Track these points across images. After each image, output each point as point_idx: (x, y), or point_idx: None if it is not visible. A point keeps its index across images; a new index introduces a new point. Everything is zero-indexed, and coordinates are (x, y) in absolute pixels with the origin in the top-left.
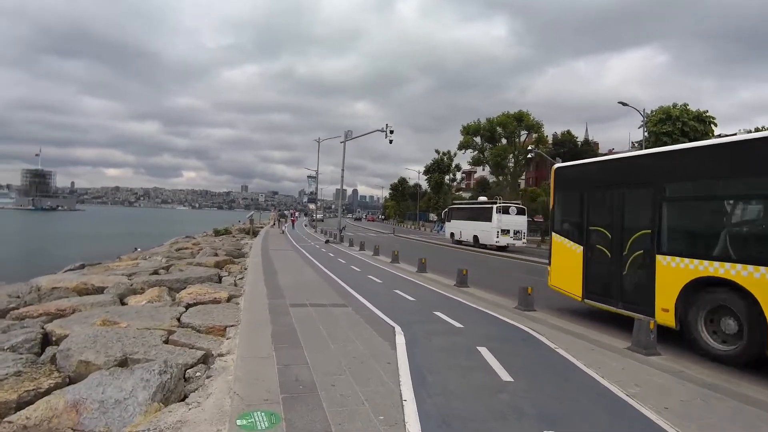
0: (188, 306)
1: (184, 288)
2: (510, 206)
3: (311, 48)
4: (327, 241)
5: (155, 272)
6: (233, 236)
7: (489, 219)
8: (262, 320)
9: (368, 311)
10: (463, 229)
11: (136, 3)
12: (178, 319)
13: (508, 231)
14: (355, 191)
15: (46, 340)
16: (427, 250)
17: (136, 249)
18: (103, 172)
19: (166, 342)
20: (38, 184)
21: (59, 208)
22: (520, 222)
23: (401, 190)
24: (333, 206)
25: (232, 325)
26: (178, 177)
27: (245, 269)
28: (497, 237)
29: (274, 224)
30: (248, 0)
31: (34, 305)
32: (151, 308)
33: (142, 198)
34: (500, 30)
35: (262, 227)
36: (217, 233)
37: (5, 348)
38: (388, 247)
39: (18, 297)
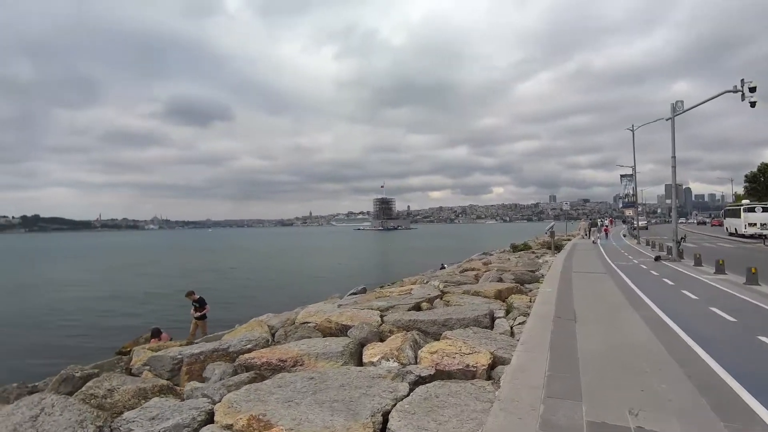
0: (418, 381)
1: (440, 335)
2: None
3: (606, 38)
4: (657, 258)
5: (416, 306)
6: (533, 252)
7: None
8: None
9: None
10: None
11: (438, 48)
12: (384, 421)
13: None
14: (687, 190)
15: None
16: None
17: (443, 266)
18: (429, 195)
19: None
20: (384, 209)
21: (399, 227)
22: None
23: (763, 181)
24: (659, 210)
25: None
26: (489, 193)
27: (531, 305)
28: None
29: (585, 235)
30: (532, 12)
31: (268, 348)
32: (372, 375)
33: (460, 215)
34: None
35: (569, 239)
36: (514, 249)
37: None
38: None
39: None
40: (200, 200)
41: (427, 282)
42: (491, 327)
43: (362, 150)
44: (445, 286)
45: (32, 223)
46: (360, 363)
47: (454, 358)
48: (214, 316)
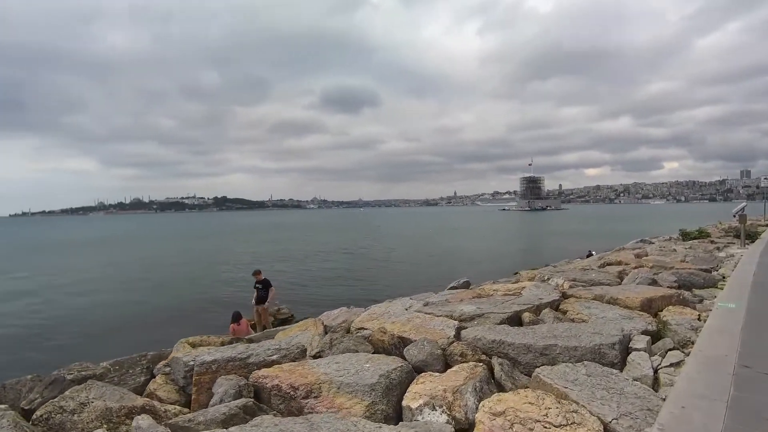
0: None
1: (532, 369)
2: None
3: None
4: None
5: (514, 317)
6: (711, 242)
7: None
8: None
9: None
10: None
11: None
12: None
13: None
14: None
15: None
16: None
17: (590, 253)
18: (584, 172)
19: None
20: (531, 188)
21: (548, 208)
22: None
23: None
24: None
25: None
26: (658, 169)
27: (697, 328)
28: None
29: None
30: None
31: (289, 366)
32: None
33: (621, 194)
34: None
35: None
36: (684, 236)
37: None
38: None
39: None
40: (352, 182)
41: (547, 279)
42: (621, 365)
43: (507, 128)
44: (570, 286)
45: (221, 204)
46: (398, 406)
47: (531, 430)
48: (307, 297)
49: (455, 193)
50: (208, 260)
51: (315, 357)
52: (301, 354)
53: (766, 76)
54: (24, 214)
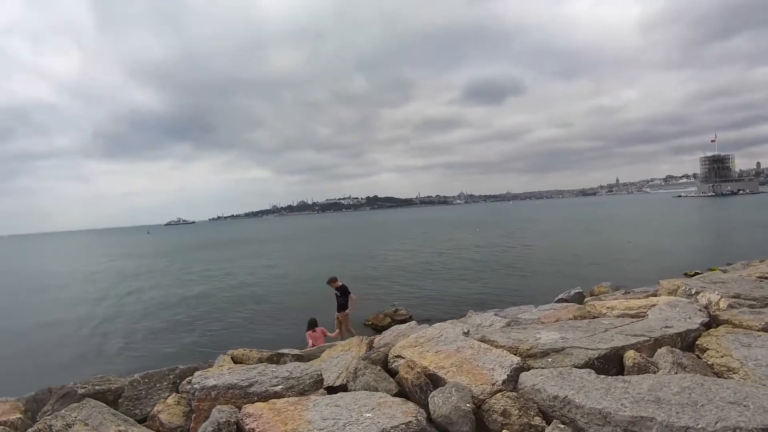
0: None
1: None
2: None
3: None
4: None
5: (600, 358)
6: None
7: None
8: None
9: None
10: None
11: None
12: None
13: None
14: None
15: None
16: None
17: None
18: None
19: None
20: (717, 169)
21: (740, 191)
22: None
23: None
24: None
25: None
26: None
27: None
28: None
29: None
30: None
31: (280, 402)
32: None
33: None
34: None
35: None
36: None
37: None
38: None
39: None
40: (498, 174)
41: (696, 293)
42: None
43: (682, 100)
44: (729, 305)
45: (373, 203)
46: None
47: None
48: (430, 298)
49: (617, 180)
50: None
51: (335, 390)
52: (314, 385)
53: None
54: (219, 218)
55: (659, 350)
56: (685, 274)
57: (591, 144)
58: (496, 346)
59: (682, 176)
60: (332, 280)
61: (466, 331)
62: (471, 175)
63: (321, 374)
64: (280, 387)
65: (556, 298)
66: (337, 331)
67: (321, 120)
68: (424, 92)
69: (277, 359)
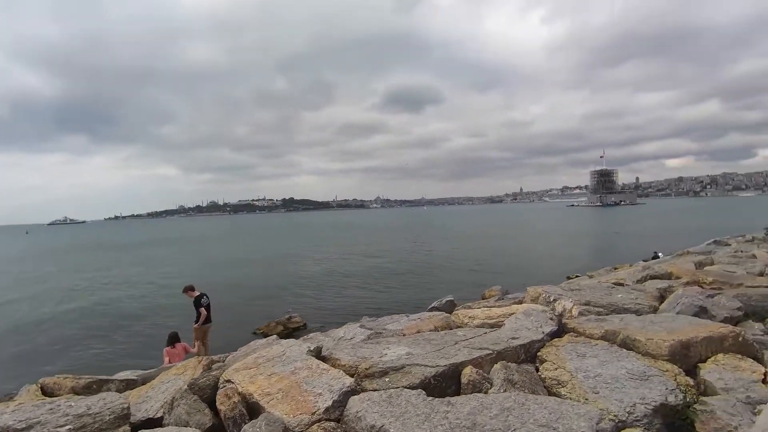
0: None
1: None
2: None
3: None
4: None
5: (437, 376)
6: None
7: None
8: None
9: None
10: None
11: None
12: None
13: None
14: None
15: None
16: None
17: (656, 255)
18: (664, 163)
19: None
20: (603, 182)
21: (621, 203)
22: None
23: None
24: None
25: None
26: (752, 158)
27: (747, 417)
28: None
29: None
30: None
31: None
32: None
33: (708, 186)
34: None
35: None
36: None
37: None
38: None
39: None
40: (416, 180)
41: (553, 300)
42: None
43: (581, 118)
44: (580, 313)
45: (289, 205)
46: None
47: None
48: (328, 305)
49: (521, 189)
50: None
51: (154, 424)
52: (115, 422)
53: None
54: (117, 217)
55: (495, 365)
56: (568, 278)
57: (502, 154)
58: (338, 366)
59: (576, 187)
60: (188, 289)
61: (311, 348)
62: (389, 180)
63: (127, 407)
64: (67, 428)
65: (430, 306)
66: (197, 344)
67: (238, 118)
68: (346, 97)
69: (97, 387)
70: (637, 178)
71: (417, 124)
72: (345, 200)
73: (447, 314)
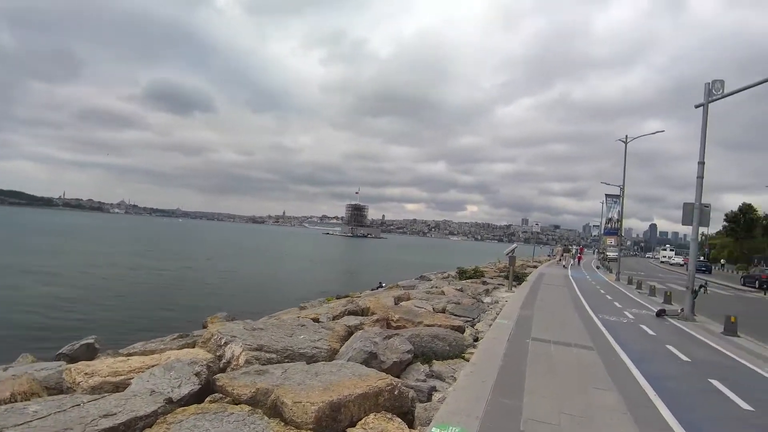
0: None
1: None
2: None
3: (586, 71)
4: (661, 313)
5: None
6: (483, 282)
7: None
8: None
9: None
10: None
11: (425, 63)
12: None
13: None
14: (652, 226)
15: None
16: None
17: (380, 285)
18: (404, 206)
19: None
20: (356, 216)
21: (369, 235)
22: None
23: (744, 222)
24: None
25: None
26: (462, 210)
27: None
28: None
29: (559, 259)
30: (518, 36)
31: None
32: None
33: (433, 229)
34: None
35: (536, 267)
36: (461, 275)
37: None
38: None
39: None
40: (172, 189)
41: (224, 344)
42: None
43: (342, 155)
44: (247, 361)
45: None
46: None
47: None
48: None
49: (284, 212)
50: None
51: None
52: None
53: (543, 146)
54: None
55: None
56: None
57: (267, 176)
58: None
59: (334, 217)
60: None
61: None
62: (139, 183)
63: None
64: None
65: (57, 353)
66: None
67: None
68: (98, 77)
69: None
70: (383, 216)
71: (182, 127)
72: (77, 199)
73: (63, 368)
